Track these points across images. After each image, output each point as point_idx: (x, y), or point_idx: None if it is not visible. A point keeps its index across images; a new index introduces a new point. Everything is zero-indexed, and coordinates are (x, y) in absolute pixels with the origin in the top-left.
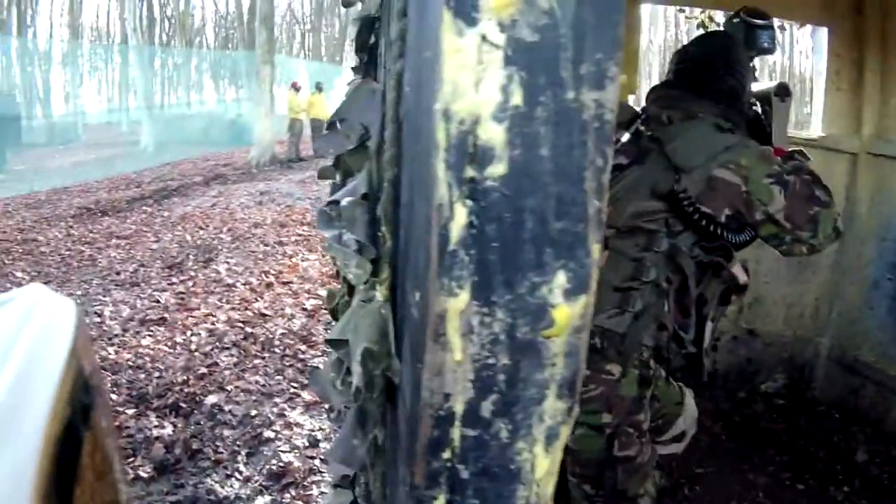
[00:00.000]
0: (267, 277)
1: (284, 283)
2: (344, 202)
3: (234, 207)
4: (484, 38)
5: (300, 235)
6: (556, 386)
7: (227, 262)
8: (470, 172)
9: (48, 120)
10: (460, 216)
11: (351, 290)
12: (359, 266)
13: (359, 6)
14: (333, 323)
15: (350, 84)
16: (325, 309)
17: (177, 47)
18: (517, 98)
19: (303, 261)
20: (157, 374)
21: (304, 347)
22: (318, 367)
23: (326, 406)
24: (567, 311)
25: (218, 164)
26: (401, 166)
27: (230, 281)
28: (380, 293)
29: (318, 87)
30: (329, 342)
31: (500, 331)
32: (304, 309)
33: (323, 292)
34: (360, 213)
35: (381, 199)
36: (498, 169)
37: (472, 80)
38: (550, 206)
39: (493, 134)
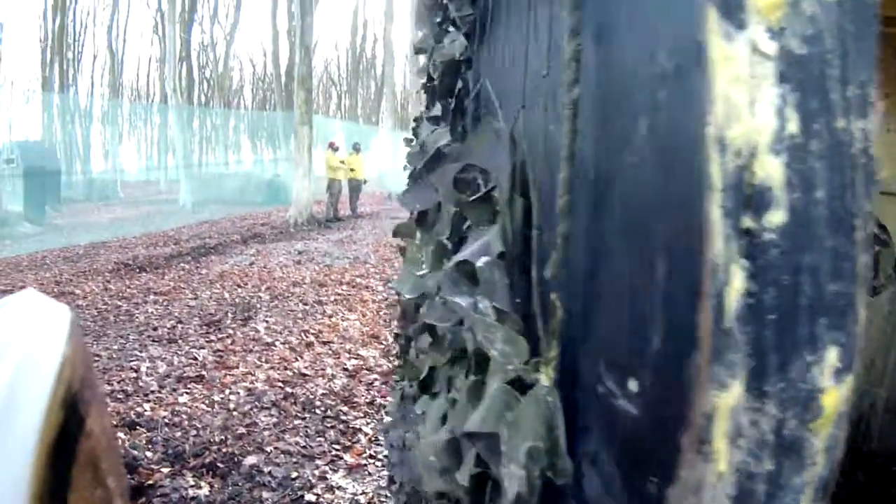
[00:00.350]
0: (307, 337)
1: (325, 343)
2: (480, 263)
3: (273, 266)
4: (754, 46)
5: (339, 295)
6: (813, 490)
7: (266, 321)
8: (747, 222)
9: (87, 176)
10: (737, 281)
11: (480, 366)
12: (508, 342)
13: (437, 51)
14: (401, 389)
15: (431, 134)
16: (395, 380)
17: (215, 108)
18: (793, 125)
19: (342, 320)
20: (193, 432)
21: (345, 408)
22: (403, 446)
23: (388, 477)
24: (835, 396)
25: (256, 222)
26: (574, 218)
27: (269, 340)
28: (545, 376)
29: (356, 148)
30: (468, 435)
31: (769, 429)
32: (346, 369)
33: (364, 352)
34: (499, 275)
35: (551, 259)
36: (777, 217)
37: (747, 98)
38: (825, 263)
39: (772, 170)
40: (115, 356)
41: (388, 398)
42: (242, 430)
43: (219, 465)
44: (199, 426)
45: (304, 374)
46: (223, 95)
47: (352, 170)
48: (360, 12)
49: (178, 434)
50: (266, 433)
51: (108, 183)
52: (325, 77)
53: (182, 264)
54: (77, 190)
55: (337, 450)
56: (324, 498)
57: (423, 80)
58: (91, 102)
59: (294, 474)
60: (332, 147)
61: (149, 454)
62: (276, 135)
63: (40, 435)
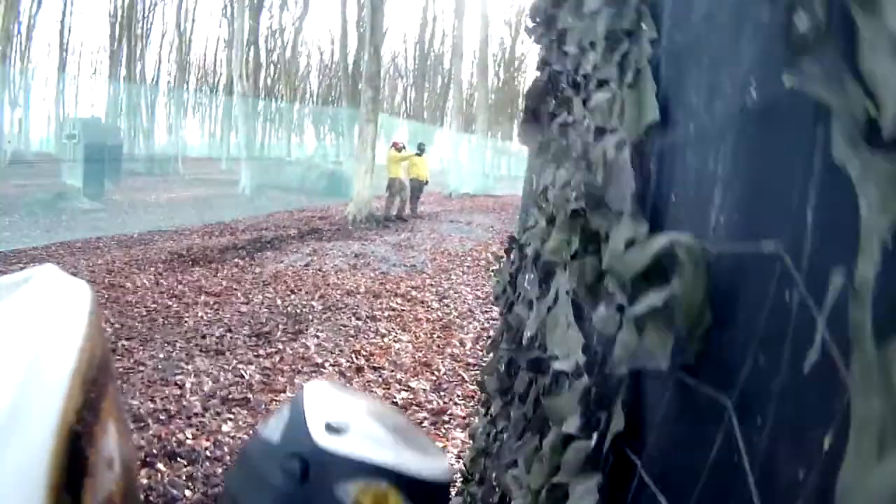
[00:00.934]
0: (357, 359)
1: (375, 369)
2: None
3: (328, 269)
4: None
5: (393, 310)
6: None
7: (317, 336)
8: None
9: (149, 151)
10: None
11: None
12: None
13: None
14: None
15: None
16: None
17: (281, 92)
18: None
19: (395, 341)
20: None
21: None
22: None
23: None
24: None
25: (314, 215)
26: None
27: (319, 360)
28: None
29: (420, 149)
30: None
31: None
32: (395, 402)
33: (415, 384)
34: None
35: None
36: None
37: None
38: None
39: None
40: (160, 367)
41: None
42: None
43: None
44: None
45: None
46: (289, 82)
47: (415, 169)
48: (429, 7)
49: (220, 470)
50: None
51: (169, 159)
52: (391, 69)
53: (236, 259)
54: (138, 164)
55: None
56: None
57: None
58: (157, 78)
59: None
60: (396, 147)
61: (188, 493)
62: (340, 124)
63: (60, 418)
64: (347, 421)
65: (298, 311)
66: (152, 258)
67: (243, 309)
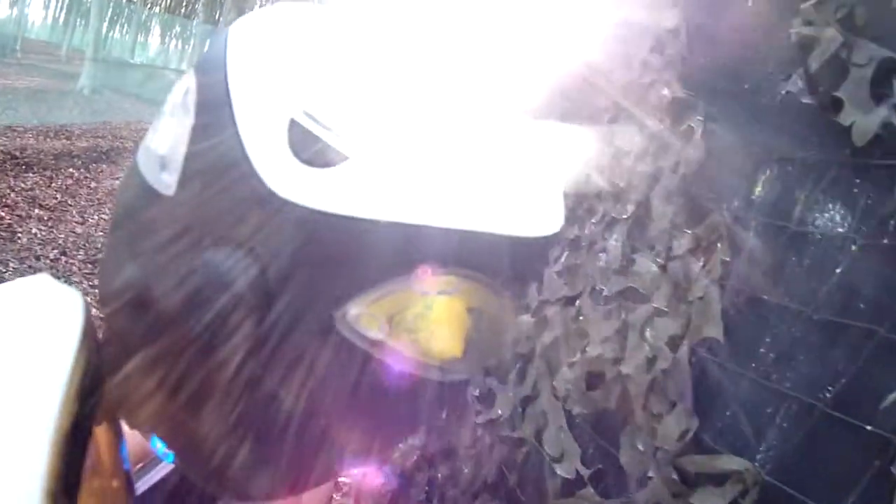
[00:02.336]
0: None
1: None
2: None
3: None
4: None
5: None
6: None
7: None
8: None
9: None
10: None
11: None
12: None
13: None
14: None
15: None
16: None
17: None
18: None
19: None
20: None
21: None
22: None
23: None
24: None
25: None
26: None
27: None
28: None
29: None
30: None
31: None
32: None
33: None
34: None
35: None
36: None
37: None
38: None
39: None
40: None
41: None
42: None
43: None
44: None
45: None
46: None
47: None
48: None
49: None
50: None
51: (8, 38)
52: None
53: (71, 169)
54: None
55: None
56: None
57: None
58: None
59: None
60: None
61: None
62: (191, 34)
63: (55, 426)
64: (339, 111)
65: None
66: None
67: (78, 230)
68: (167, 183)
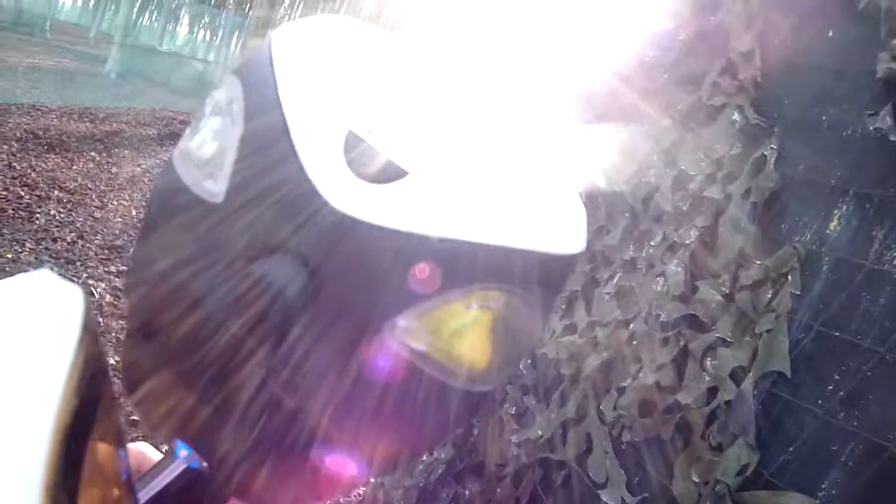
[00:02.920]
0: None
1: None
2: None
3: None
4: None
5: None
6: None
7: None
8: None
9: (18, 5)
10: None
11: None
12: None
13: None
14: None
15: None
16: None
17: None
18: None
19: None
20: None
21: None
22: None
23: None
24: None
25: (176, 118)
26: None
27: None
28: None
29: None
30: None
31: None
32: None
33: None
34: None
35: None
36: None
37: None
38: None
39: None
40: (7, 269)
41: None
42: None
43: None
44: None
45: None
46: None
47: None
48: None
49: None
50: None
51: (37, 18)
52: None
53: (93, 153)
54: (5, 14)
55: None
56: None
57: None
58: None
59: None
60: None
61: None
62: (220, 24)
63: (55, 424)
64: (392, 130)
65: None
66: (7, 134)
67: (97, 214)
68: (213, 191)
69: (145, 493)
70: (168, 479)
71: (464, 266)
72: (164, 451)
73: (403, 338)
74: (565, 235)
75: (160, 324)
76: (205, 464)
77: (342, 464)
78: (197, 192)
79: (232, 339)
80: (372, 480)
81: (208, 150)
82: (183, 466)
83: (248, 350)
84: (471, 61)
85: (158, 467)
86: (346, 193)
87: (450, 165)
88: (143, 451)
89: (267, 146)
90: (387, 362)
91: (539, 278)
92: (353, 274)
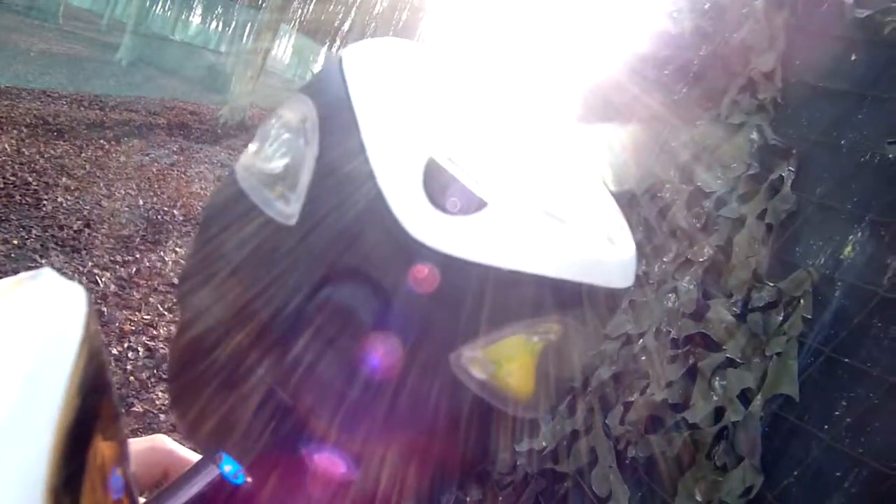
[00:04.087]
0: None
1: None
2: None
3: (192, 175)
4: None
5: None
6: None
7: (175, 252)
8: None
9: None
10: None
11: None
12: None
13: None
14: None
15: None
16: None
17: None
18: None
19: None
20: None
21: None
22: None
23: None
24: None
25: (186, 108)
26: None
27: (176, 280)
28: None
29: None
30: None
31: None
32: None
33: None
34: None
35: None
36: None
37: None
38: None
39: None
40: (13, 255)
41: None
42: (138, 407)
43: None
44: None
45: None
46: None
47: None
48: None
49: None
50: (162, 417)
51: (51, 4)
52: None
53: (102, 141)
54: (18, 0)
55: None
56: None
57: None
58: None
59: None
60: None
61: None
62: (232, 16)
63: (57, 423)
64: (476, 159)
65: (159, 217)
66: (17, 119)
67: (104, 203)
68: (287, 212)
69: (175, 501)
70: (199, 489)
71: (530, 298)
72: (185, 445)
73: (467, 367)
74: (620, 271)
75: (220, 340)
76: (249, 480)
77: (389, 487)
78: (267, 211)
79: (295, 362)
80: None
81: (279, 169)
82: (215, 476)
83: (311, 374)
84: (519, 80)
85: (190, 475)
86: (425, 223)
87: (521, 197)
88: (167, 447)
89: (345, 171)
90: (447, 390)
91: (592, 310)
92: (426, 303)
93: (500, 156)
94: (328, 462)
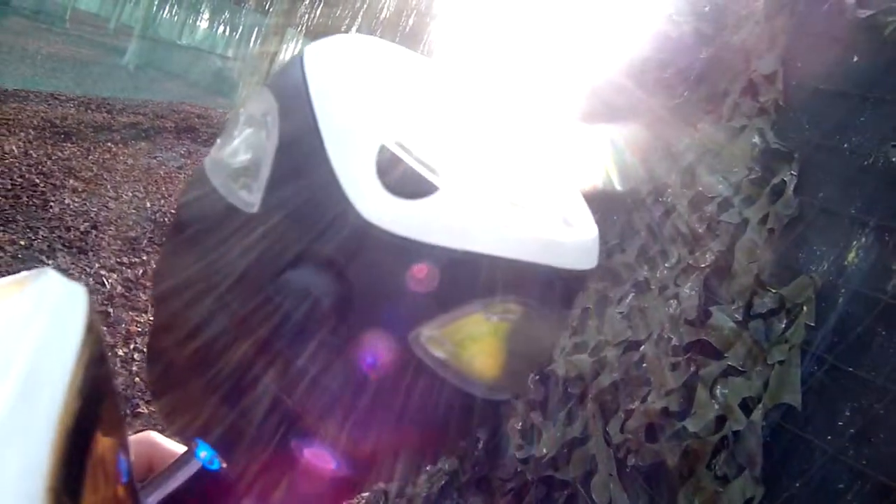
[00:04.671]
0: None
1: None
2: None
3: None
4: None
5: None
6: None
7: None
8: None
9: None
10: None
11: None
12: None
13: None
14: None
15: None
16: None
17: None
18: None
19: None
20: None
21: None
22: None
23: None
24: None
25: (193, 112)
26: None
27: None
28: None
29: None
30: None
31: None
32: None
33: None
34: None
35: None
36: None
37: None
38: None
39: None
40: (20, 255)
41: None
42: (143, 408)
43: None
44: None
45: None
46: None
47: None
48: None
49: None
50: (150, 426)
51: (58, 7)
52: None
53: (109, 143)
54: (25, 2)
55: None
56: None
57: None
58: None
59: None
60: None
61: None
62: (239, 20)
63: (58, 424)
64: (427, 141)
65: (166, 219)
66: (24, 122)
67: (111, 205)
68: (248, 201)
69: (160, 492)
70: (183, 479)
71: (484, 278)
72: (174, 440)
73: (427, 346)
74: (579, 252)
75: (190, 328)
76: (224, 465)
77: (358, 468)
78: (231, 201)
79: (261, 346)
80: (376, 487)
81: (243, 161)
82: (198, 466)
83: (275, 356)
84: (490, 74)
85: (174, 466)
86: (378, 206)
87: (474, 181)
88: (152, 440)
89: (302, 159)
90: (409, 370)
91: (553, 292)
92: (383, 284)
93: (459, 145)
94: (304, 447)
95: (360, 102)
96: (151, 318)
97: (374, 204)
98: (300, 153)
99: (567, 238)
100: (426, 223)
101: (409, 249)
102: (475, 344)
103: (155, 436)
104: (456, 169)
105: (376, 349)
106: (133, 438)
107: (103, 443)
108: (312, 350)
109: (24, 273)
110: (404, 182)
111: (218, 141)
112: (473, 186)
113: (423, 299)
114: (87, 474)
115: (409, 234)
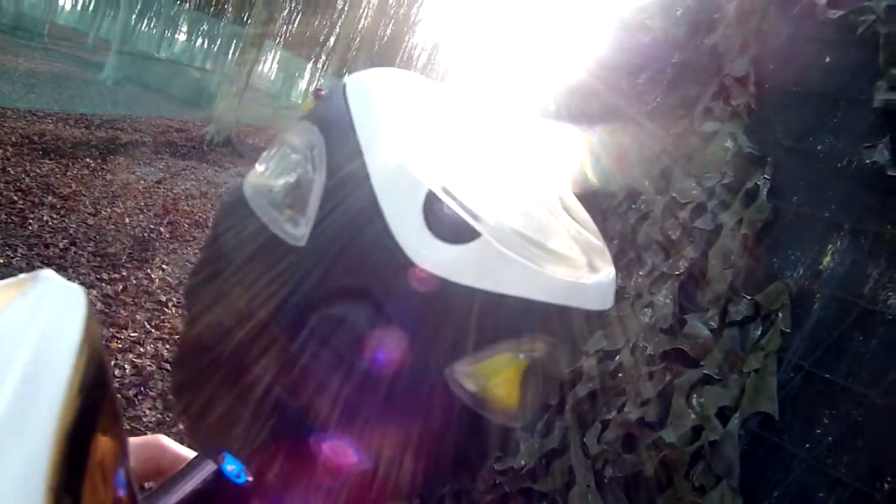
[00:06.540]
0: None
1: None
2: None
3: (179, 192)
4: None
5: None
6: None
7: (162, 269)
8: None
9: (18, 8)
10: None
11: None
12: None
13: None
14: None
15: None
16: None
17: None
18: None
19: None
20: None
21: None
22: None
23: None
24: None
25: (172, 126)
26: None
27: (163, 297)
28: None
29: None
30: None
31: None
32: None
33: None
34: None
35: None
36: None
37: None
38: None
39: None
40: None
41: None
42: (125, 424)
43: None
44: None
45: None
46: None
47: None
48: None
49: None
50: (149, 434)
51: (36, 23)
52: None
53: (88, 159)
54: (4, 16)
55: None
56: None
57: None
58: None
59: None
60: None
61: None
62: (217, 33)
63: (57, 424)
64: (473, 187)
65: (146, 235)
66: (2, 139)
67: (90, 221)
68: (296, 235)
69: (169, 497)
70: (194, 485)
71: (517, 319)
72: (184, 443)
73: (461, 381)
74: (601, 295)
75: (229, 350)
76: (250, 479)
77: (383, 487)
78: (276, 232)
79: (301, 374)
80: None
81: (289, 194)
82: (209, 473)
83: (318, 385)
84: (471, 82)
85: (185, 472)
86: (423, 249)
87: (510, 226)
88: (161, 443)
89: (351, 199)
90: (443, 403)
91: (575, 330)
92: (425, 322)
93: (492, 182)
94: (335, 453)
95: (405, 144)
96: (181, 331)
97: (420, 247)
98: (349, 193)
99: (589, 281)
100: (468, 267)
101: (450, 291)
102: (501, 377)
103: (164, 439)
104: (495, 212)
105: (411, 384)
106: (142, 441)
107: (103, 442)
108: (353, 380)
109: (22, 275)
110: (449, 228)
111: (257, 167)
112: (511, 231)
113: (460, 337)
114: (87, 473)
115: (452, 278)
